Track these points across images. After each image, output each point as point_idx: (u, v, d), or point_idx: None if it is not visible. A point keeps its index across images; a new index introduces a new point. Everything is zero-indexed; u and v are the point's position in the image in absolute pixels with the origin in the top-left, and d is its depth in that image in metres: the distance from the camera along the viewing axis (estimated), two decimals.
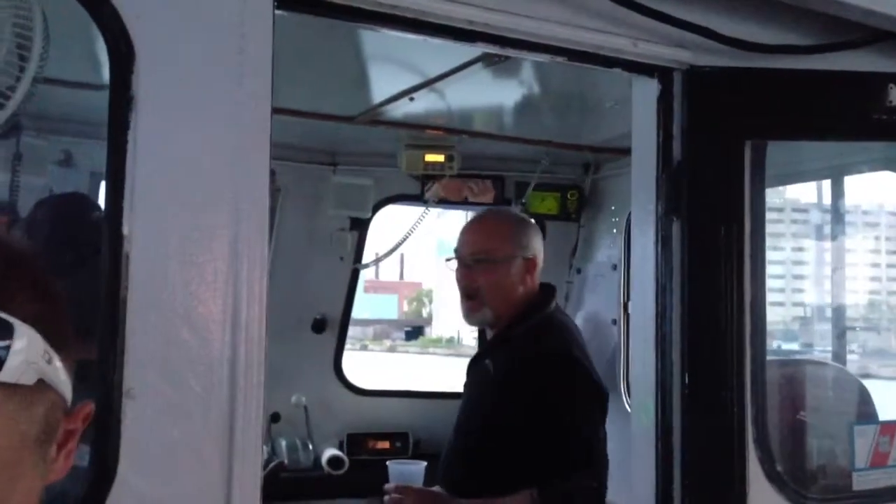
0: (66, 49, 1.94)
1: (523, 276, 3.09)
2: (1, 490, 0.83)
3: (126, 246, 1.52)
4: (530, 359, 2.94)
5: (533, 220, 3.54)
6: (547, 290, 3.17)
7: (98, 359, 1.53)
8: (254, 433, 1.64)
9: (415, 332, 63.57)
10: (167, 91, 1.58)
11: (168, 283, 1.56)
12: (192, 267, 1.59)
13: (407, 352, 54.24)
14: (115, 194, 1.52)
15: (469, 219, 3.48)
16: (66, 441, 0.94)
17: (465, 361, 3.39)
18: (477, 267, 3.08)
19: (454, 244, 3.23)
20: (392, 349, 56.08)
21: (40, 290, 0.90)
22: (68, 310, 0.94)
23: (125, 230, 1.52)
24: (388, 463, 3.32)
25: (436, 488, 3.10)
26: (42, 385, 0.86)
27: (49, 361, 0.87)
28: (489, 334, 3.28)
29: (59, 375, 0.89)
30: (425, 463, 3.30)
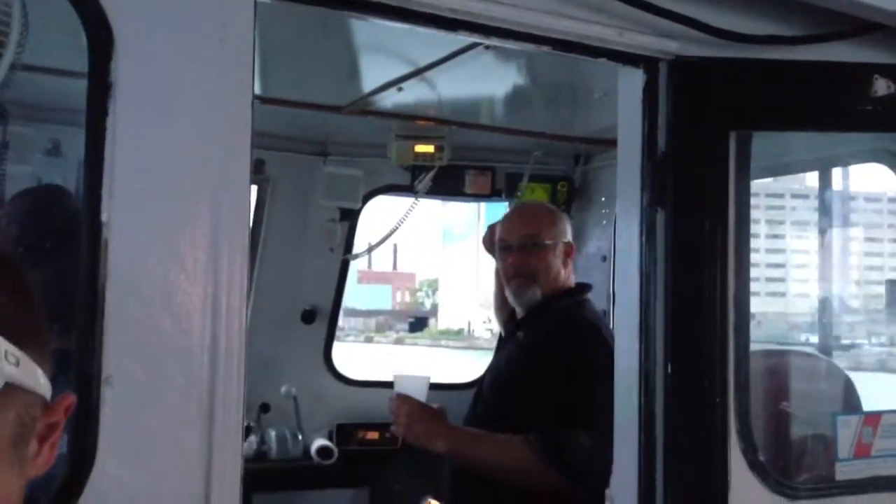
0: (51, 36, 1.93)
1: (564, 259, 3.43)
2: None
3: (105, 233, 1.52)
4: (560, 327, 3.25)
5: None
6: (582, 284, 3.53)
7: (77, 347, 1.53)
8: (234, 422, 1.64)
9: (418, 323, 62.73)
10: (147, 78, 1.58)
11: (147, 271, 1.56)
12: (172, 255, 1.58)
13: (416, 344, 52.64)
14: (94, 181, 1.52)
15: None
16: (49, 434, 0.93)
17: (484, 355, 3.49)
18: (525, 250, 3.38)
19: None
20: (399, 341, 54.92)
21: (7, 284, 0.88)
22: (40, 301, 0.92)
23: (104, 217, 1.52)
24: (393, 374, 3.37)
25: (436, 405, 3.22)
26: (10, 388, 0.84)
27: (17, 363, 0.84)
28: (519, 314, 3.51)
29: (31, 374, 0.87)
30: (430, 376, 3.34)
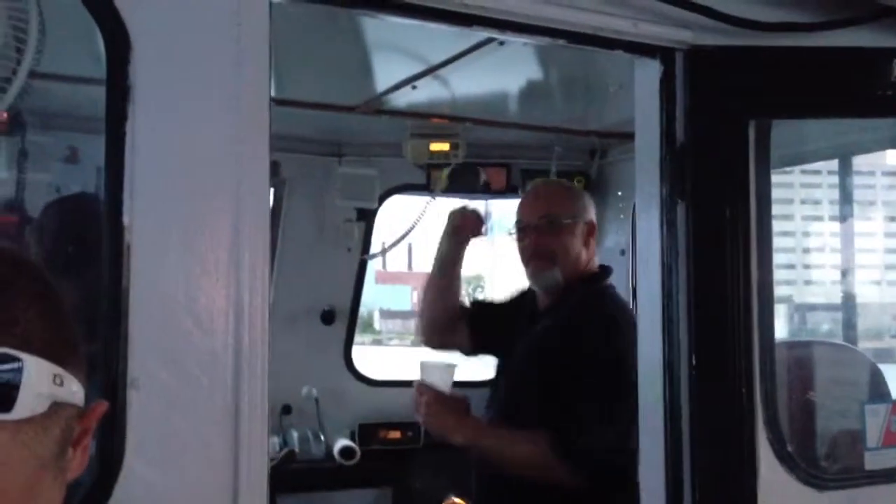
0: (68, 44, 1.94)
1: (586, 239, 3.26)
2: None
3: (127, 236, 1.52)
4: (577, 320, 3.10)
5: None
6: (605, 268, 3.37)
7: (103, 350, 1.54)
8: (259, 422, 1.64)
9: None
10: (164, 81, 1.58)
11: (169, 273, 1.56)
12: (194, 256, 1.59)
13: None
14: (115, 185, 1.53)
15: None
16: (81, 438, 0.94)
17: None
18: (544, 229, 3.22)
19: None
20: None
21: (45, 302, 0.89)
22: (73, 310, 0.93)
23: (125, 220, 1.52)
24: (420, 361, 3.27)
25: (460, 395, 3.12)
26: (56, 406, 0.86)
27: (61, 383, 0.85)
28: (542, 301, 3.36)
29: (72, 389, 0.88)
30: (456, 364, 3.26)
